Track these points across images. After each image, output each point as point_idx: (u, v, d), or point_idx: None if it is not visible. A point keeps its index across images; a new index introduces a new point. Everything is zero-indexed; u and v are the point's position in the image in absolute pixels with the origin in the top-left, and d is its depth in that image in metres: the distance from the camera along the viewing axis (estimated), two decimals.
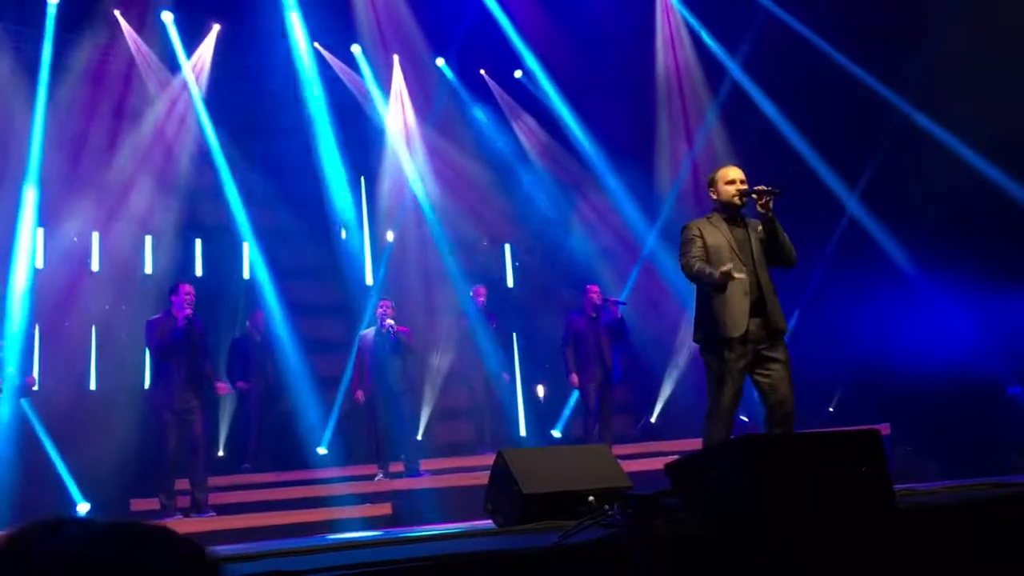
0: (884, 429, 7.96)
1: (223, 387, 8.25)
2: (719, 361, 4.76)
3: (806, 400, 9.75)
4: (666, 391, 10.48)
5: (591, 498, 4.44)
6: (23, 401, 7.90)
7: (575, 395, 9.97)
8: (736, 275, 4.66)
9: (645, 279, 10.83)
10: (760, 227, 4.91)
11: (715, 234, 4.90)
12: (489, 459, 8.79)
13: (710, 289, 4.80)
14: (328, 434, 9.50)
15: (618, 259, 11.14)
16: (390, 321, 8.70)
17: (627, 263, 11.04)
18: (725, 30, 10.58)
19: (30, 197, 8.84)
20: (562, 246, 11.18)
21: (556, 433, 10.40)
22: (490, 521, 4.75)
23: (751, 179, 4.99)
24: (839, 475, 3.04)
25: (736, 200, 4.89)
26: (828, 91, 9.52)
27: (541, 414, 10.64)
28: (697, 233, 4.92)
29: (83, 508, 7.86)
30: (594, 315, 9.14)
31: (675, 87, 11.16)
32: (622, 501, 3.51)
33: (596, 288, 9.38)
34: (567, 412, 10.50)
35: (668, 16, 11.12)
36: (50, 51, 9.16)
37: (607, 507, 4.52)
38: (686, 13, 10.92)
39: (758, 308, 4.77)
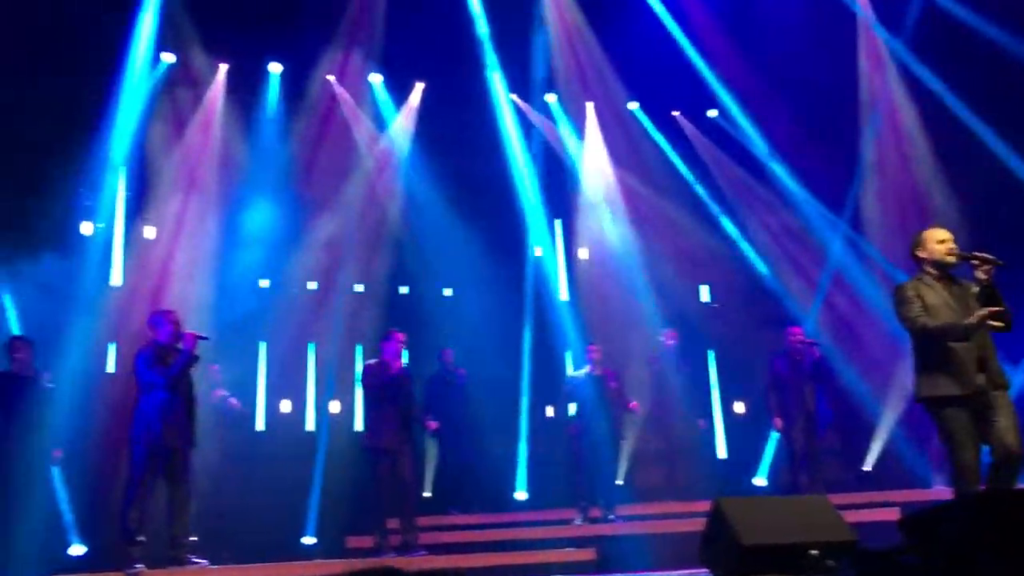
0: None
1: (432, 424, 8.54)
2: (950, 421, 4.84)
3: None
4: (881, 436, 9.91)
5: (813, 551, 4.30)
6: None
7: (775, 439, 9.64)
8: (994, 323, 4.76)
9: (849, 321, 10.37)
10: (973, 288, 4.98)
11: (931, 294, 5.02)
12: (686, 506, 8.78)
13: (937, 346, 4.89)
14: (523, 476, 9.62)
15: (818, 300, 10.75)
16: (590, 366, 8.83)
17: (827, 304, 10.63)
18: (937, 56, 10.05)
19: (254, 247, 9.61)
20: (761, 286, 10.88)
21: (760, 481, 10.05)
22: (705, 571, 4.66)
23: (974, 225, 4.98)
24: None
25: (948, 259, 5.05)
26: None
27: (739, 460, 10.34)
28: (914, 293, 5.04)
29: (308, 541, 8.37)
30: (797, 358, 8.87)
31: (881, 121, 10.71)
32: (851, 556, 3.36)
33: (798, 330, 9.10)
34: (769, 458, 10.16)
35: (871, 45, 10.70)
36: (273, 116, 10.01)
37: (831, 562, 4.36)
38: (888, 38, 10.47)
39: (981, 365, 4.87)
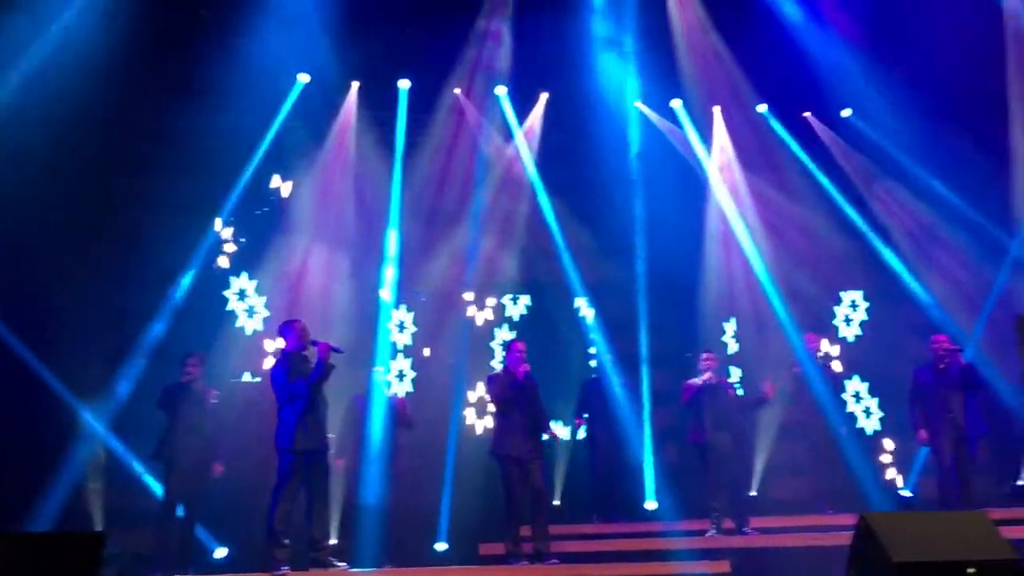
0: None
1: (557, 431, 8.58)
2: None
3: None
4: None
5: (971, 570, 4.10)
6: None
7: (923, 452, 9.27)
8: None
9: (999, 324, 9.81)
10: None
11: None
12: (827, 519, 8.49)
13: None
14: (655, 487, 9.52)
15: (966, 304, 10.24)
16: (708, 374, 8.78)
17: (976, 307, 10.12)
18: None
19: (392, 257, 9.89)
20: (907, 293, 10.43)
21: (906, 492, 9.63)
22: None
23: None
24: None
25: None
26: None
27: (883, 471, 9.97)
28: None
29: (440, 546, 8.53)
30: (942, 367, 8.51)
31: None
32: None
33: (943, 338, 8.73)
34: (916, 470, 9.75)
35: (1017, 34, 10.14)
36: (403, 130, 10.27)
37: None
38: None
39: None
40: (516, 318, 10.71)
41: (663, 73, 10.45)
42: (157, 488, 8.15)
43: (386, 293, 9.76)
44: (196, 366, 8.11)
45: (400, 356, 10.24)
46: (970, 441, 8.47)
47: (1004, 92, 10.07)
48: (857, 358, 10.76)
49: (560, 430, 9.41)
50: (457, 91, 10.52)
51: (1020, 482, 9.48)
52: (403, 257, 9.96)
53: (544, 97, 10.78)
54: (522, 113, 10.75)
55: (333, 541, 7.79)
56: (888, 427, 10.38)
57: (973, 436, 8.49)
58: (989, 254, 10.27)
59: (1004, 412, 9.46)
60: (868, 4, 10.13)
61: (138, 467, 8.38)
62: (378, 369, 8.77)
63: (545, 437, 8.01)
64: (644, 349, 10.08)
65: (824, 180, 10.83)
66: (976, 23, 9.98)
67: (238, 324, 9.70)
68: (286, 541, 6.80)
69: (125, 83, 8.81)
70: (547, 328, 10.49)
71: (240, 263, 9.78)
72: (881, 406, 10.56)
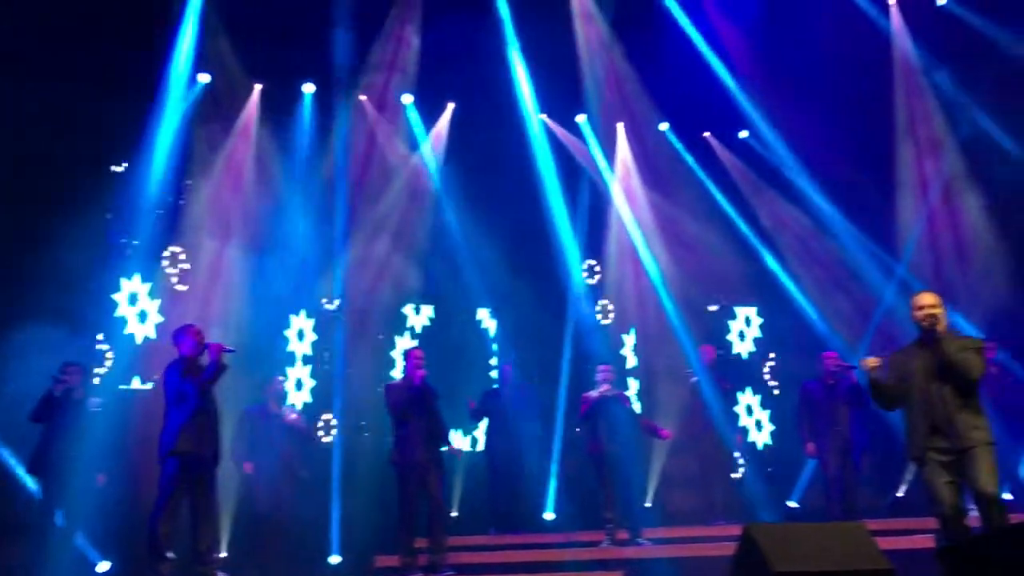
0: None
1: (457, 449, 8.49)
2: (923, 477, 5.31)
3: None
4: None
5: None
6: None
7: (810, 465, 9.57)
8: (864, 363, 5.38)
9: (883, 340, 10.23)
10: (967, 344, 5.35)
11: (905, 359, 5.43)
12: (721, 530, 8.68)
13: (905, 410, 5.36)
14: (553, 498, 9.56)
15: (854, 321, 10.64)
16: (604, 387, 8.71)
17: (862, 324, 10.53)
18: (969, 79, 10.02)
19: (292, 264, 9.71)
20: (798, 310, 10.79)
21: (792, 503, 9.93)
22: None
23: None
24: None
25: (924, 325, 5.39)
26: None
27: (773, 482, 10.26)
28: (893, 360, 5.48)
29: (334, 560, 8.37)
30: (831, 383, 8.78)
31: (914, 137, 10.66)
32: None
33: (833, 354, 9.01)
34: (803, 482, 10.06)
35: (906, 64, 10.65)
36: (307, 135, 10.12)
37: None
38: (926, 61, 10.44)
39: (938, 428, 5.20)
40: (419, 328, 10.66)
41: (568, 88, 10.58)
42: (34, 498, 7.78)
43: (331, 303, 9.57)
44: (74, 375, 7.79)
45: (299, 364, 10.07)
46: (854, 455, 8.77)
47: (892, 119, 10.57)
48: (750, 372, 11.07)
49: (460, 441, 9.38)
50: (363, 98, 10.44)
51: (900, 494, 9.87)
52: (305, 264, 9.78)
53: (451, 107, 10.77)
54: (428, 123, 10.73)
55: (224, 554, 7.55)
56: (778, 440, 10.69)
57: (857, 450, 8.79)
58: (877, 274, 10.68)
59: (887, 428, 9.86)
60: (762, 30, 10.46)
61: (13, 476, 7.99)
62: (279, 379, 8.60)
63: (444, 449, 7.94)
64: (544, 361, 10.12)
65: (721, 198, 11.15)
66: (867, 52, 10.46)
67: (127, 331, 9.36)
68: (170, 554, 6.53)
69: (21, 74, 8.46)
70: (449, 339, 10.46)
71: (132, 266, 9.45)
72: (772, 419, 10.89)
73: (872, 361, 5.42)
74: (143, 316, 9.47)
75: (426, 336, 10.54)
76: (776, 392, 11.16)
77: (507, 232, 10.45)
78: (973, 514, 5.28)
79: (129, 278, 9.45)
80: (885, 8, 10.51)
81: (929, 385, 5.24)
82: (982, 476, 5.01)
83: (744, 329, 11.38)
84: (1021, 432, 8.62)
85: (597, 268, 11.32)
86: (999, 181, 9.86)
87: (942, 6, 10.13)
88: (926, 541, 7.21)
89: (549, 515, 9.47)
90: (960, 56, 10.13)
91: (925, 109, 10.52)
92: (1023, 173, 9.60)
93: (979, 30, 9.80)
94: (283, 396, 8.76)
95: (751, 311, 11.38)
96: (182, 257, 9.66)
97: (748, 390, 11.00)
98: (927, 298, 5.45)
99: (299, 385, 9.99)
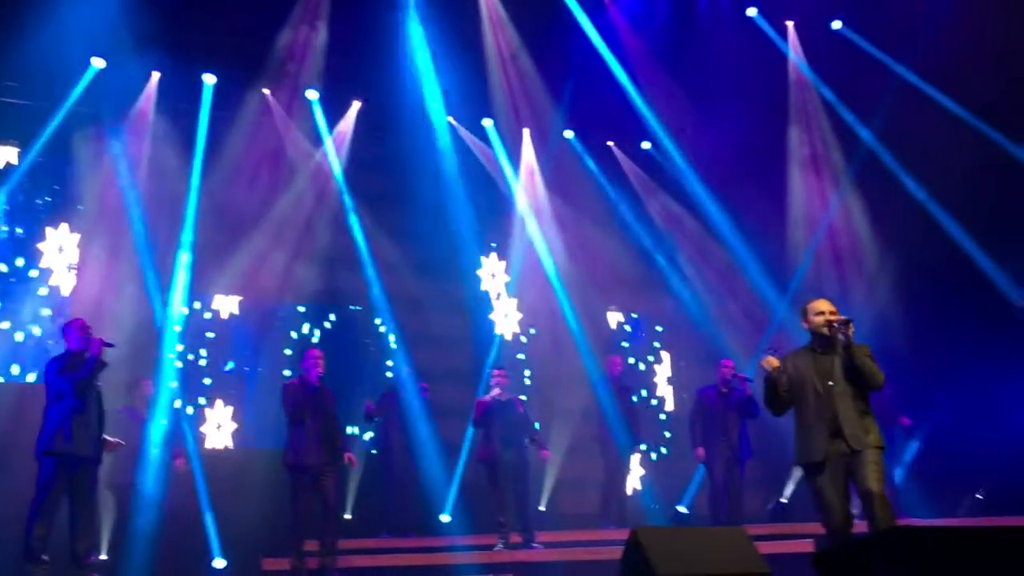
0: None
1: (352, 457, 8.25)
2: (813, 483, 5.22)
3: (950, 484, 9.34)
4: (798, 471, 10.08)
5: None
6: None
7: (700, 470, 9.78)
8: (766, 361, 5.31)
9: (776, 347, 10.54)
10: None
11: (798, 364, 5.33)
12: (613, 534, 8.80)
13: (796, 416, 5.31)
14: (451, 501, 9.53)
15: (747, 331, 10.93)
16: (497, 390, 8.67)
17: (756, 335, 10.81)
18: (860, 100, 10.45)
19: (184, 261, 9.41)
20: (695, 320, 11.04)
21: (682, 509, 10.14)
22: None
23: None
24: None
25: (824, 331, 5.28)
26: (972, 163, 9.24)
27: (665, 489, 10.46)
28: (784, 364, 5.33)
29: (219, 564, 8.12)
30: (725, 391, 8.97)
31: (808, 155, 11.08)
32: None
33: (730, 363, 9.20)
34: (693, 487, 10.27)
35: (800, 84, 11.06)
36: (206, 126, 9.82)
37: None
38: (818, 82, 10.85)
39: (837, 432, 5.15)
40: (317, 329, 10.47)
41: (476, 92, 10.58)
42: None
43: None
44: None
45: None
46: (741, 462, 9.00)
47: (785, 134, 10.96)
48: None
49: (353, 455, 9.25)
50: (266, 91, 10.21)
51: (783, 500, 10.19)
52: (195, 261, 9.50)
53: (356, 105, 10.65)
54: (332, 120, 10.57)
55: (103, 557, 7.26)
56: (671, 446, 10.91)
57: (744, 457, 9.02)
58: (770, 290, 10.98)
59: (775, 435, 10.16)
60: (667, 43, 10.69)
61: None
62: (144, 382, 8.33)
63: (344, 458, 7.79)
64: (441, 364, 10.08)
65: (623, 207, 11.33)
66: (765, 69, 10.82)
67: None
68: (45, 557, 6.24)
69: None
70: (348, 340, 10.32)
71: (14, 254, 9.03)
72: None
73: (774, 361, 5.32)
74: None
75: (325, 338, 10.37)
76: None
77: (411, 233, 10.38)
78: (860, 522, 5.41)
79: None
80: (783, 30, 10.89)
81: (827, 390, 5.17)
82: (871, 476, 5.02)
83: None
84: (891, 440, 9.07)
85: (501, 271, 11.35)
86: (885, 193, 10.27)
87: (837, 30, 10.57)
88: (806, 546, 7.45)
89: (445, 518, 9.42)
90: (851, 77, 10.55)
91: (818, 125, 10.94)
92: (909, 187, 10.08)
93: (869, 53, 10.24)
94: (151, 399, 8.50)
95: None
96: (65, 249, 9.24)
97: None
98: (825, 304, 5.37)
99: None
